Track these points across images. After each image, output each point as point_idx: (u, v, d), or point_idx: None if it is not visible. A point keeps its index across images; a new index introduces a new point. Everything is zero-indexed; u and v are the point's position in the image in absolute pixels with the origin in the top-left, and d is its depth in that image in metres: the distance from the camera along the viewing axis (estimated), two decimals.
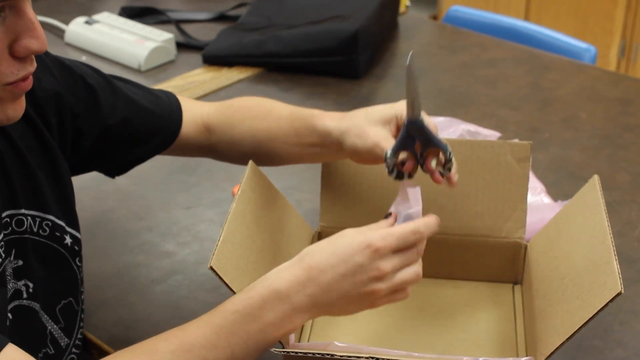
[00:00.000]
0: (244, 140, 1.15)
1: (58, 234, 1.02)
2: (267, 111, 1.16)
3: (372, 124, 1.04)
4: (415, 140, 0.99)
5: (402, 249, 0.89)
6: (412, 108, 0.97)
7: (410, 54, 0.92)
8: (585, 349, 1.11)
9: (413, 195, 1.00)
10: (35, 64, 0.87)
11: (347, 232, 0.90)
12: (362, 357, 0.89)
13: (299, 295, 0.87)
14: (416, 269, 0.90)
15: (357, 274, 0.87)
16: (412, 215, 0.98)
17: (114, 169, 1.18)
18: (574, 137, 1.63)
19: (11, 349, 0.82)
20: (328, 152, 1.11)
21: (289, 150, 1.13)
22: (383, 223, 0.94)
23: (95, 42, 1.98)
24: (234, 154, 1.18)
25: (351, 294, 0.88)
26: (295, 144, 1.12)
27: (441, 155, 1.00)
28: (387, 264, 0.88)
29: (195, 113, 1.19)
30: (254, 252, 1.01)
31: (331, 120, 1.08)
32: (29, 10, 0.83)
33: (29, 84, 0.87)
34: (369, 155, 1.04)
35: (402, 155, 1.00)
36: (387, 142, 1.02)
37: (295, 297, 0.87)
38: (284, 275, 0.88)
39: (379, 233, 0.88)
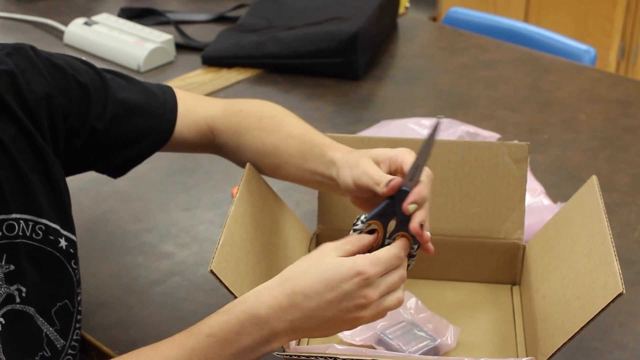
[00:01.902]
0: (248, 149, 1.12)
1: (52, 237, 1.01)
2: (276, 125, 1.12)
3: (365, 158, 0.99)
4: (393, 217, 0.92)
5: (387, 273, 0.88)
6: (412, 176, 0.91)
7: (438, 121, 0.88)
8: (584, 350, 1.11)
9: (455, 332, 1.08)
10: None
11: (331, 253, 0.87)
12: (365, 359, 0.89)
13: (280, 321, 0.86)
14: (399, 295, 0.89)
15: (344, 302, 0.86)
16: (442, 346, 1.07)
17: (111, 169, 1.15)
18: (573, 139, 1.63)
19: None
20: (328, 185, 1.06)
21: (290, 170, 1.10)
22: (364, 239, 0.91)
23: (95, 43, 1.97)
24: (236, 160, 1.16)
25: (334, 320, 0.87)
26: (298, 166, 1.08)
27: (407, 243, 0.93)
28: (374, 292, 0.86)
29: (198, 114, 1.15)
30: (254, 255, 1.01)
31: (339, 153, 1.03)
32: None
33: None
34: (355, 186, 0.97)
35: (372, 227, 0.93)
36: (374, 171, 0.95)
37: (275, 323, 0.86)
38: (264, 299, 0.86)
39: (369, 260, 0.86)
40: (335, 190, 1.05)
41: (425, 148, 0.90)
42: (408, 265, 0.93)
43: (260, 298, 0.86)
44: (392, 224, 0.93)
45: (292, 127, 1.11)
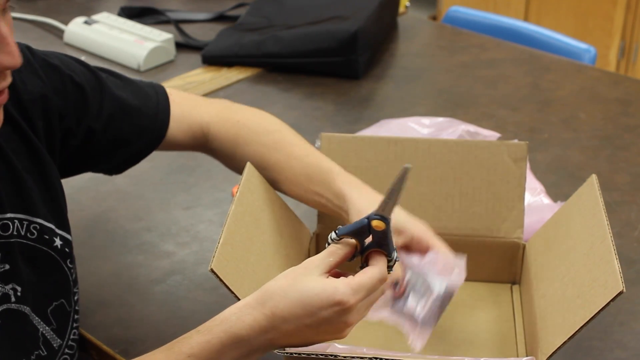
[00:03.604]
0: (245, 160, 1.10)
1: (47, 236, 1.01)
2: (277, 142, 1.11)
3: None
4: (369, 235, 0.91)
5: (369, 295, 0.87)
6: (386, 205, 0.89)
7: (407, 166, 0.87)
8: (584, 349, 1.11)
9: (460, 265, 1.02)
10: (9, 79, 0.86)
11: (314, 271, 0.86)
12: (365, 357, 0.89)
13: (259, 339, 0.86)
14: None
15: (322, 326, 0.85)
16: (451, 286, 1.01)
17: (106, 170, 1.15)
18: (573, 138, 1.63)
19: None
20: (332, 210, 1.08)
21: (292, 188, 1.10)
22: (345, 249, 0.90)
23: (95, 42, 1.97)
24: (231, 166, 1.15)
25: (312, 340, 0.88)
26: (302, 188, 1.08)
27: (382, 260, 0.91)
28: (354, 317, 0.86)
29: (193, 118, 1.15)
30: (254, 254, 1.01)
31: (350, 189, 1.04)
32: (0, 25, 0.82)
33: (2, 99, 0.87)
34: None
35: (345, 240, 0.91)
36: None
37: (254, 342, 0.86)
38: (244, 319, 0.85)
39: (351, 287, 0.85)
40: (337, 215, 1.06)
41: (401, 182, 0.88)
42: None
43: (241, 317, 0.86)
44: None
45: (294, 147, 1.11)
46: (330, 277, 0.87)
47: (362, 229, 0.90)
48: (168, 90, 1.17)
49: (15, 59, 0.83)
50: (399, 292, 1.02)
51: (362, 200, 1.04)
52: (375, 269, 0.88)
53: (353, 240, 0.90)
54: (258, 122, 1.16)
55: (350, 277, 0.87)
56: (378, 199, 0.97)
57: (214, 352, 0.85)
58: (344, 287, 0.85)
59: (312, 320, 0.85)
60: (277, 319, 0.85)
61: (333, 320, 0.85)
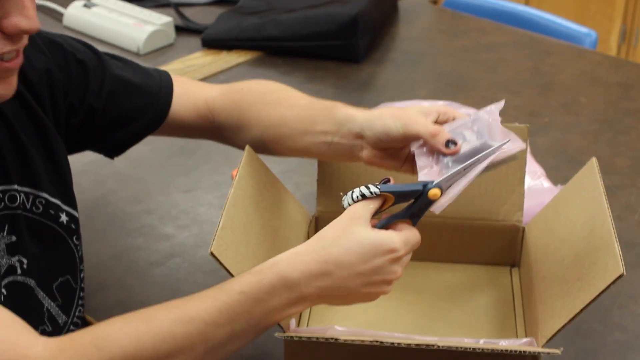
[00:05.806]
0: (251, 124, 1.10)
1: (52, 211, 1.01)
2: (281, 98, 1.11)
3: (412, 109, 1.01)
4: (408, 200, 0.92)
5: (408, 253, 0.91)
6: (453, 177, 0.93)
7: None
8: (584, 332, 1.11)
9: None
10: (25, 42, 0.86)
11: (361, 221, 0.88)
12: (366, 341, 0.89)
13: (309, 286, 0.87)
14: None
15: (373, 275, 0.88)
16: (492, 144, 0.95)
17: (109, 149, 1.15)
18: (574, 122, 1.63)
19: None
20: (338, 146, 1.04)
21: (297, 138, 1.07)
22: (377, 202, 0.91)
23: (94, 26, 1.97)
24: (238, 139, 1.14)
25: (359, 291, 0.89)
26: (306, 131, 1.06)
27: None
28: (400, 270, 0.90)
29: (197, 96, 1.15)
30: (253, 237, 1.01)
31: (356, 110, 1.03)
32: None
33: (15, 63, 0.87)
34: (398, 138, 0.98)
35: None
36: (428, 122, 0.97)
37: (304, 288, 0.87)
38: (296, 264, 0.87)
39: (401, 239, 0.88)
40: (343, 153, 1.05)
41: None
42: None
43: (292, 262, 0.87)
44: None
45: (298, 98, 1.11)
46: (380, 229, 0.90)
47: (411, 194, 0.91)
48: (172, 75, 1.17)
49: (33, 22, 0.83)
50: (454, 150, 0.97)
51: (376, 111, 1.01)
52: (416, 231, 0.91)
53: (391, 196, 0.91)
54: (262, 84, 1.16)
55: (399, 231, 0.90)
56: (394, 108, 1.00)
57: (263, 292, 0.86)
58: (397, 237, 0.88)
59: (365, 268, 0.87)
60: (329, 265, 0.87)
61: (385, 268, 0.88)
